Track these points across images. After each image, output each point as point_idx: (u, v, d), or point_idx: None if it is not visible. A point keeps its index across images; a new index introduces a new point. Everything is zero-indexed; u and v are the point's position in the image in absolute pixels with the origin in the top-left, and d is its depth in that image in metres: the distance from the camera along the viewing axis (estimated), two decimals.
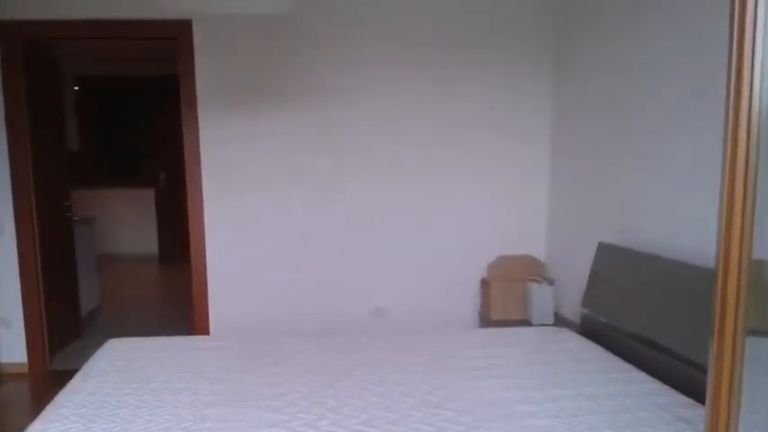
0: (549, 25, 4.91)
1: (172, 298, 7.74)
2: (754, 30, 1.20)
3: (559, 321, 4.49)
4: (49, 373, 5.06)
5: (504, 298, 4.68)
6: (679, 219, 3.28)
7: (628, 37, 3.83)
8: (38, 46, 5.17)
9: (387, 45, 4.85)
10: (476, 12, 4.87)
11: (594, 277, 3.87)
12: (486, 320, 4.77)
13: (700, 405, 2.53)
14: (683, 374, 2.84)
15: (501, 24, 4.90)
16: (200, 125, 4.82)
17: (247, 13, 4.72)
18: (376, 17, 4.83)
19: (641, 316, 3.27)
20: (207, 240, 4.90)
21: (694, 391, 2.66)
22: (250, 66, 4.80)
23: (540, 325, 4.37)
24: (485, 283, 4.85)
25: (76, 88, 9.91)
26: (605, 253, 3.82)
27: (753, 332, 1.27)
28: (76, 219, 6.01)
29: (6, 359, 5.03)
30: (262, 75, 4.81)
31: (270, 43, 4.78)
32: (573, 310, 4.46)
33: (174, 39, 4.78)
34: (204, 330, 4.93)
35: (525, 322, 4.55)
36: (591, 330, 3.82)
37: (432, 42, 4.87)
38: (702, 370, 1.42)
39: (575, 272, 4.44)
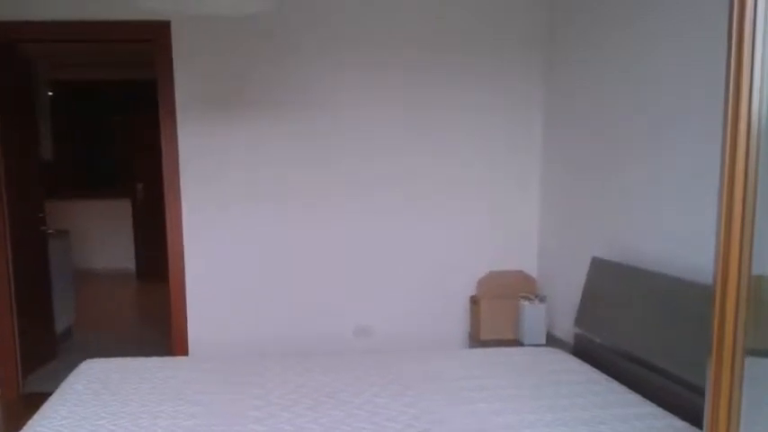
0: (539, 30, 4.91)
1: (150, 316, 7.68)
2: (753, 32, 1.19)
3: (552, 341, 4.48)
4: (21, 397, 4.99)
5: (495, 316, 4.67)
6: (676, 233, 3.29)
7: (620, 43, 3.84)
8: (9, 48, 5.12)
9: (372, 49, 4.82)
10: (464, 17, 4.87)
11: (588, 294, 3.87)
12: (475, 340, 4.76)
13: (697, 429, 2.53)
14: (681, 397, 2.84)
15: (490, 30, 4.90)
16: (180, 133, 4.76)
17: (229, 15, 4.56)
18: (360, 20, 4.81)
19: (636, 335, 3.27)
20: (186, 256, 4.86)
21: (692, 415, 2.66)
22: (232, 70, 4.76)
23: (532, 345, 4.36)
24: (474, 301, 4.84)
25: (51, 94, 9.84)
26: (599, 269, 3.82)
27: (752, 352, 1.26)
28: (51, 232, 5.95)
29: None
30: (244, 80, 4.77)
31: (252, 46, 4.74)
32: (566, 328, 4.45)
33: (151, 41, 4.72)
34: (183, 351, 4.88)
35: (516, 342, 4.54)
36: (584, 350, 3.81)
37: (419, 48, 4.85)
38: (700, 392, 1.41)
39: (567, 288, 4.44)
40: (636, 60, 3.69)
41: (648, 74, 3.56)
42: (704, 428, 1.32)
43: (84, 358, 3.63)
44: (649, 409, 2.83)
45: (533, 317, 4.47)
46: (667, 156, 3.36)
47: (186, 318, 4.88)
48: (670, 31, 3.35)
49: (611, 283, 3.64)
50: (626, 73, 3.79)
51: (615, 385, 3.15)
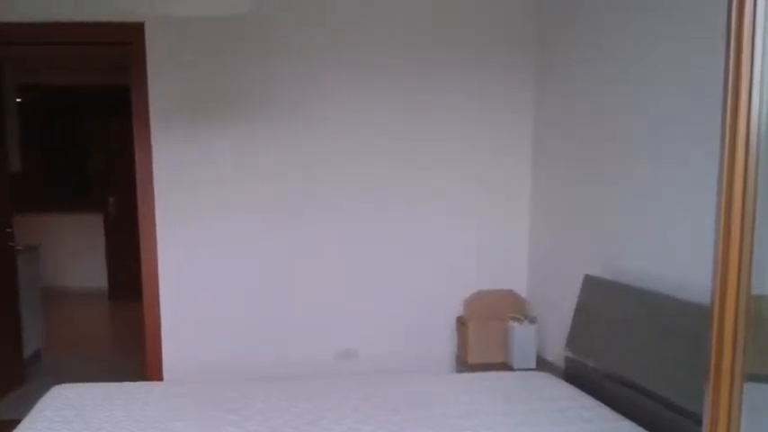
0: (531, 31, 4.89)
1: (123, 338, 7.61)
2: (752, 32, 1.19)
3: (542, 364, 4.46)
4: None
5: (483, 338, 4.65)
6: (673, 249, 3.28)
7: (615, 47, 3.85)
8: None
9: (360, 54, 4.79)
10: (453, 18, 4.85)
11: (580, 315, 3.86)
12: (462, 364, 4.74)
13: None
14: (677, 425, 2.83)
15: (480, 32, 4.88)
16: (154, 142, 4.68)
17: (207, 15, 4.33)
18: (347, 25, 4.77)
19: (631, 359, 3.26)
20: (160, 274, 4.79)
21: None
22: (210, 75, 4.70)
23: (522, 369, 4.34)
24: (461, 322, 4.82)
25: (19, 100, 9.73)
26: (592, 287, 3.81)
27: (752, 377, 1.25)
28: (19, 248, 5.87)
29: None
30: (222, 85, 4.71)
31: (233, 49, 4.69)
32: (557, 351, 4.44)
33: (124, 44, 4.64)
34: (157, 375, 4.82)
35: (505, 365, 4.53)
36: (576, 375, 3.80)
37: (406, 49, 4.82)
38: (697, 420, 1.40)
39: (559, 308, 4.42)
40: (627, 72, 3.70)
41: (641, 83, 3.57)
42: None
43: (55, 383, 3.59)
44: None
45: (523, 339, 4.46)
46: (663, 168, 3.35)
47: (161, 340, 4.83)
48: (670, 31, 3.36)
49: (605, 303, 3.63)
50: (626, 73, 3.77)
51: (608, 412, 3.14)
